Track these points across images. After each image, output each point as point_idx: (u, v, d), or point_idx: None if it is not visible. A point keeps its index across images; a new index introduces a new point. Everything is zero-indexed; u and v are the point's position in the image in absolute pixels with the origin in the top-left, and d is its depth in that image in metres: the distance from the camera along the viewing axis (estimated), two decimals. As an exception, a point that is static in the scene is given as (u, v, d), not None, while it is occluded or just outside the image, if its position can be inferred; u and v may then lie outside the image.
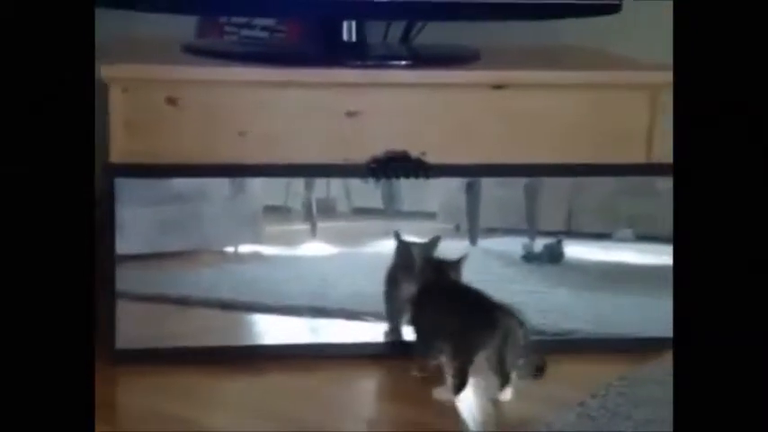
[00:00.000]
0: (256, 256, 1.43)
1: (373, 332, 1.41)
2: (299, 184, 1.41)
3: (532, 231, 1.45)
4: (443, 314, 1.29)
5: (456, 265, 1.35)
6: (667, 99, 1.44)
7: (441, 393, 1.25)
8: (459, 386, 1.24)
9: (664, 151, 1.45)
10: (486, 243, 1.44)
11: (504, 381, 1.24)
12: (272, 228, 1.43)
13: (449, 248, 1.41)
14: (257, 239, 1.43)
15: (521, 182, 1.44)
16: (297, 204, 1.42)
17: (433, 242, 1.39)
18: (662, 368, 1.29)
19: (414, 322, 1.34)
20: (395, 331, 1.40)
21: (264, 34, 1.76)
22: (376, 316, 1.41)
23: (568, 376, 1.28)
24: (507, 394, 1.25)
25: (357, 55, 1.48)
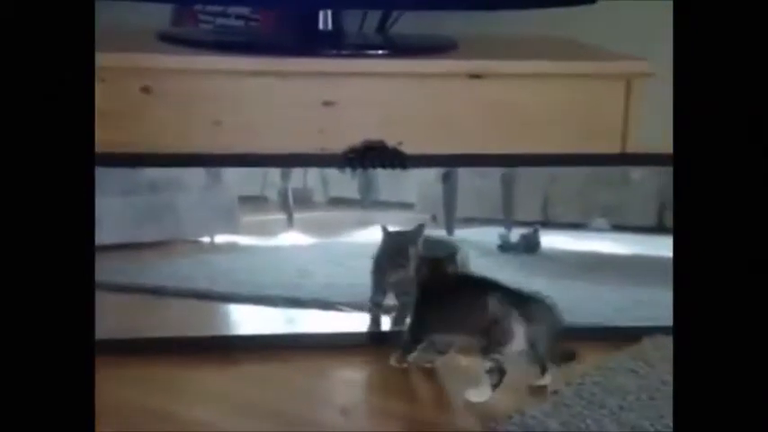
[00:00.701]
0: (232, 247, 1.43)
1: (349, 322, 1.41)
2: (275, 173, 1.41)
3: (509, 221, 1.45)
4: (465, 309, 1.25)
5: (452, 258, 1.33)
6: (642, 89, 1.45)
7: (474, 395, 1.21)
8: (499, 382, 1.21)
9: (638, 141, 1.46)
10: (462, 233, 1.45)
11: (542, 367, 1.24)
12: (249, 218, 1.43)
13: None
14: (233, 229, 1.43)
15: (497, 172, 1.44)
16: (273, 194, 1.42)
17: (418, 230, 1.38)
18: (636, 357, 1.30)
19: (419, 315, 1.31)
20: (375, 321, 1.40)
21: (240, 23, 1.75)
22: (352, 306, 1.41)
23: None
24: (547, 378, 1.24)
25: (333, 44, 1.47)
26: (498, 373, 1.21)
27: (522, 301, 1.23)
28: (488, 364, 1.21)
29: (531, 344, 1.22)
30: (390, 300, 1.38)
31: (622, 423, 1.12)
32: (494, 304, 1.23)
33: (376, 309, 1.39)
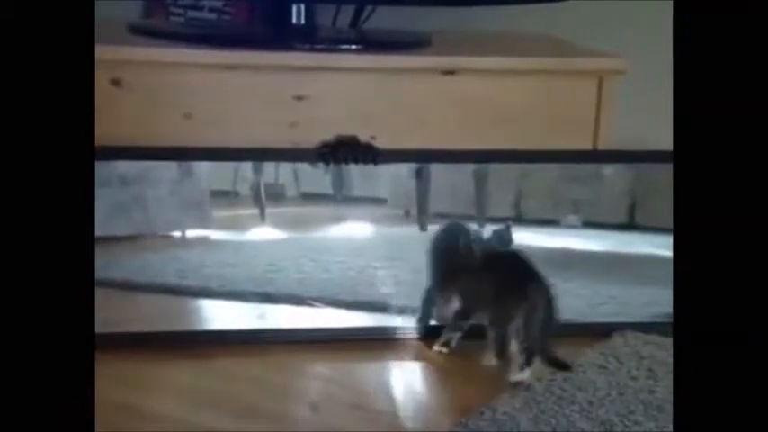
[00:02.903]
0: (203, 241, 1.42)
1: (321, 318, 1.40)
2: (247, 168, 1.40)
3: (481, 217, 1.46)
4: (483, 282, 1.29)
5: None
6: (614, 86, 1.46)
7: (515, 375, 1.25)
8: (499, 353, 1.26)
9: (610, 138, 1.47)
10: (435, 229, 1.44)
11: (528, 358, 1.25)
12: (220, 212, 1.43)
13: (398, 233, 1.42)
14: (204, 224, 1.42)
15: (470, 167, 1.44)
16: (245, 189, 1.41)
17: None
18: (606, 353, 1.31)
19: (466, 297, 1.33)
20: (425, 317, 1.39)
21: (212, 16, 1.74)
22: (323, 301, 1.41)
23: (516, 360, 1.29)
24: (525, 374, 1.24)
25: (306, 38, 1.47)
26: (498, 345, 1.26)
27: (525, 283, 1.27)
28: (491, 336, 1.27)
29: (525, 328, 1.25)
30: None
31: (592, 419, 1.13)
32: (502, 279, 1.28)
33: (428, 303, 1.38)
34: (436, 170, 1.43)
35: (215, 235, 1.42)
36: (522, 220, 1.46)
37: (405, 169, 1.43)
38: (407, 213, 1.45)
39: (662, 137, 1.53)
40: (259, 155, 1.38)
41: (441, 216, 1.45)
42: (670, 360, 1.28)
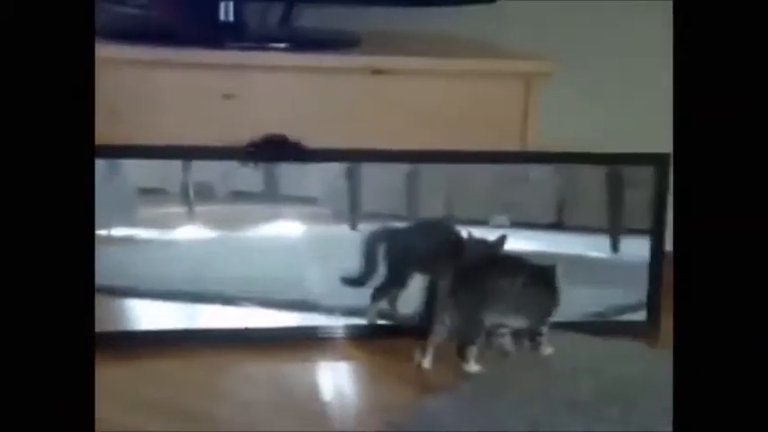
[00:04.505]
0: (131, 240, 1.40)
1: (251, 318, 1.39)
2: (175, 166, 1.38)
3: (412, 217, 1.46)
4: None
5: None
6: (542, 88, 1.48)
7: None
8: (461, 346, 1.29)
9: (537, 139, 1.49)
10: (366, 228, 1.45)
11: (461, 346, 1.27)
12: (148, 211, 1.40)
13: (328, 233, 1.41)
14: (132, 222, 1.39)
15: (401, 168, 1.44)
16: (173, 187, 1.39)
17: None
18: (530, 352, 1.33)
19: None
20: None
21: (138, 12, 1.71)
22: (253, 301, 1.40)
23: (444, 359, 1.30)
24: (474, 367, 1.27)
25: (234, 36, 1.46)
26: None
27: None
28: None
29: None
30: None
31: (519, 417, 1.14)
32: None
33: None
34: (367, 170, 1.43)
35: (142, 234, 1.40)
36: (452, 221, 1.46)
37: (336, 168, 1.43)
38: (338, 213, 1.45)
39: (589, 138, 1.57)
40: (187, 153, 1.36)
41: (372, 216, 1.45)
42: (595, 359, 1.30)
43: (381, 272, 1.41)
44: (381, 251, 1.41)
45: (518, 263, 1.32)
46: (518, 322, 1.31)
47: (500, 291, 1.29)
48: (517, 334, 1.32)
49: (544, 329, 1.31)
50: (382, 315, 1.42)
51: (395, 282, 1.42)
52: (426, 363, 1.28)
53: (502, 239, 1.39)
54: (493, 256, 1.37)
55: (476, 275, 1.31)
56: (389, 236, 1.42)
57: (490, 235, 1.40)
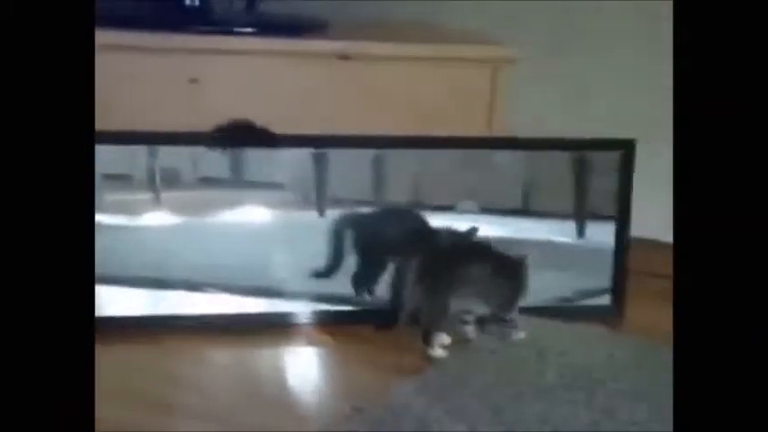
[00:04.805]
0: (96, 226, 1.38)
1: (217, 304, 1.39)
2: (141, 151, 1.37)
3: (380, 203, 1.46)
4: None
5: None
6: (508, 74, 1.48)
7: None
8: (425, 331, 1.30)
9: (504, 125, 1.49)
10: (333, 214, 1.44)
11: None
12: (113, 197, 1.39)
13: (296, 219, 1.41)
14: (97, 208, 1.38)
15: (368, 153, 1.44)
16: (139, 173, 1.38)
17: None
18: (500, 337, 1.33)
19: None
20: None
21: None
22: (219, 288, 1.39)
23: (410, 345, 1.30)
24: (438, 351, 1.28)
25: (200, 20, 1.45)
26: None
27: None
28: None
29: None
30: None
31: (484, 402, 1.15)
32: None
33: None
34: (334, 155, 1.43)
35: (108, 219, 1.39)
36: (419, 206, 1.46)
37: (303, 154, 1.42)
38: (306, 199, 1.44)
39: (555, 124, 1.57)
40: (152, 138, 1.35)
41: (338, 201, 1.45)
42: (560, 344, 1.31)
43: (353, 260, 1.41)
44: (350, 238, 1.41)
45: (486, 251, 1.33)
46: (483, 309, 1.32)
47: (467, 277, 1.30)
48: (485, 320, 1.33)
49: (512, 316, 1.31)
50: (351, 301, 1.42)
51: (372, 267, 1.42)
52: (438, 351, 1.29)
53: (472, 231, 1.39)
54: (461, 244, 1.38)
55: (443, 262, 1.31)
56: (357, 222, 1.42)
57: (458, 220, 1.40)
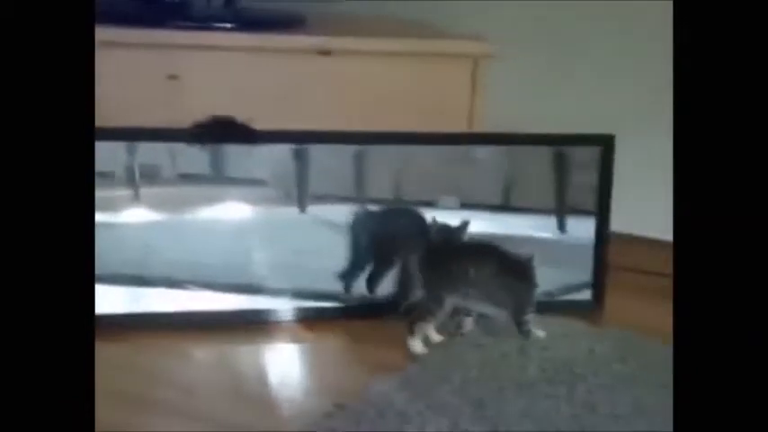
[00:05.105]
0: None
1: (197, 301, 1.38)
2: (120, 148, 1.36)
3: (361, 199, 1.46)
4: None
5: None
6: (488, 69, 1.48)
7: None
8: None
9: (484, 121, 1.49)
10: (315, 210, 1.44)
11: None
12: (92, 193, 1.38)
13: (277, 215, 1.41)
14: (76, 206, 1.38)
15: (349, 149, 1.44)
16: (118, 169, 1.38)
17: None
18: (479, 331, 1.33)
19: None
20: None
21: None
22: (199, 285, 1.39)
23: (391, 341, 1.30)
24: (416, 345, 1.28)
25: (179, 16, 1.44)
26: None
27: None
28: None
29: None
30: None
31: (465, 397, 1.15)
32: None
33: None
34: (315, 151, 1.43)
35: (87, 217, 1.38)
36: (401, 202, 1.46)
37: (284, 150, 1.42)
38: (287, 195, 1.44)
39: (534, 119, 1.57)
40: (132, 135, 1.34)
41: (320, 198, 1.45)
42: (541, 337, 1.31)
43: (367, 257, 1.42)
44: (366, 237, 1.42)
45: (492, 252, 1.33)
46: (488, 310, 1.32)
47: (468, 276, 1.30)
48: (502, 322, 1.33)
49: (526, 318, 1.31)
50: (332, 297, 1.42)
51: (384, 266, 1.42)
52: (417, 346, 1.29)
53: (464, 225, 1.39)
54: (465, 242, 1.38)
55: (443, 258, 1.32)
56: (371, 221, 1.43)
57: (439, 216, 1.41)
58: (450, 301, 1.29)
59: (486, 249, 1.34)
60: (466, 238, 1.39)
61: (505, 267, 1.31)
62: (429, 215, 1.41)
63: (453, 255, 1.33)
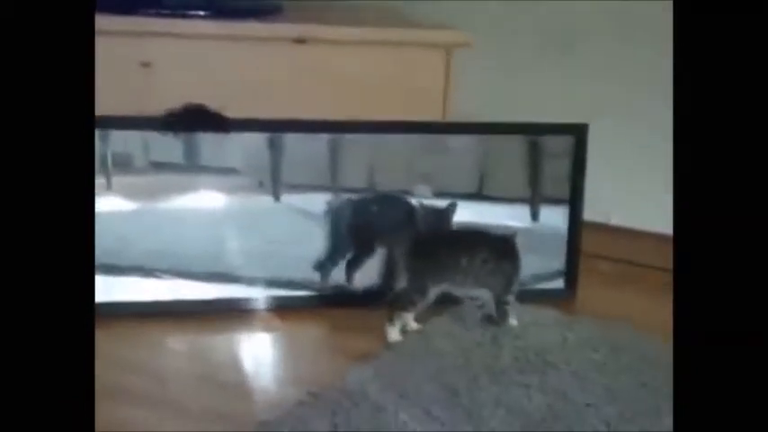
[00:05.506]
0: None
1: (170, 290, 1.38)
2: (92, 136, 1.35)
3: (335, 188, 1.46)
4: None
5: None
6: (461, 59, 1.48)
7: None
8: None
9: (458, 110, 1.49)
10: (289, 199, 1.44)
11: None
12: (64, 182, 1.37)
13: (251, 204, 1.41)
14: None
15: (323, 138, 1.44)
16: (90, 158, 1.37)
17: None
18: (456, 319, 1.34)
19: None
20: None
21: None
22: (173, 273, 1.38)
23: (366, 329, 1.30)
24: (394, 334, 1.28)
25: (153, 2, 1.42)
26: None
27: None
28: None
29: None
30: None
31: (439, 384, 1.15)
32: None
33: None
34: (290, 140, 1.42)
35: (59, 205, 1.37)
36: (375, 191, 1.46)
37: (258, 139, 1.41)
38: (261, 184, 1.43)
39: (508, 109, 1.58)
40: (104, 123, 1.33)
41: (294, 186, 1.44)
42: (515, 326, 1.32)
43: (347, 245, 1.43)
44: (345, 225, 1.42)
45: (479, 237, 1.34)
46: (475, 293, 1.33)
47: (458, 265, 1.30)
48: (485, 307, 1.34)
49: (510, 299, 1.32)
50: (306, 286, 1.42)
51: (364, 252, 1.42)
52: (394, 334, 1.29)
53: (452, 207, 1.40)
54: (452, 231, 1.39)
55: (431, 248, 1.32)
56: (350, 209, 1.43)
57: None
58: (435, 291, 1.30)
59: (474, 236, 1.35)
60: (454, 219, 1.40)
61: (492, 250, 1.32)
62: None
63: (441, 244, 1.33)
